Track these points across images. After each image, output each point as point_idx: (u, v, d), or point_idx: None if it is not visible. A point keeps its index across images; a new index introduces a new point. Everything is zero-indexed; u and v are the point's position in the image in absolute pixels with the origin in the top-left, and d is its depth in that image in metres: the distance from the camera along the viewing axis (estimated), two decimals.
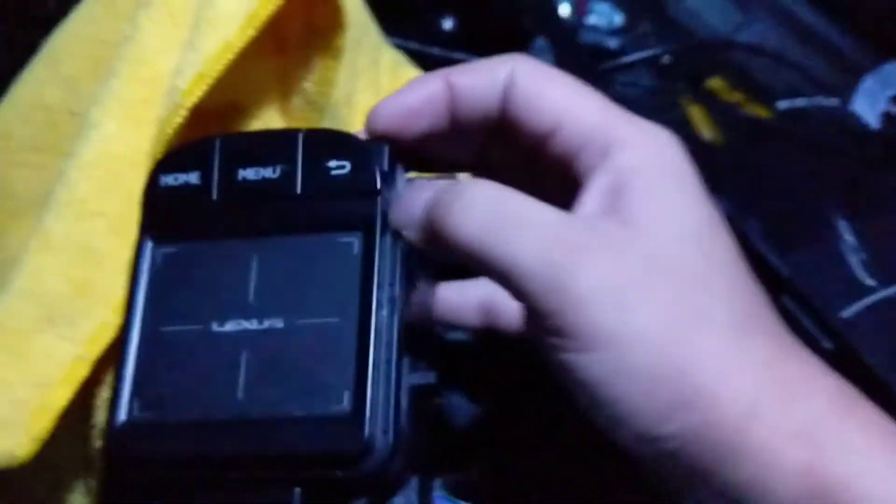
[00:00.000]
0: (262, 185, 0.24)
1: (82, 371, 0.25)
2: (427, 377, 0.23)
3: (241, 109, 0.27)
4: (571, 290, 0.20)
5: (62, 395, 0.25)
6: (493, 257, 0.21)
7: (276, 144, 0.24)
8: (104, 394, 0.26)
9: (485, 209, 0.21)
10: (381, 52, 0.34)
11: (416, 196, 0.23)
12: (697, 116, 0.56)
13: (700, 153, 0.25)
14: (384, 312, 0.22)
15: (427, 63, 0.37)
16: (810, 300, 0.32)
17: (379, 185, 0.23)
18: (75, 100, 0.30)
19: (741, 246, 0.23)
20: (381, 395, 0.21)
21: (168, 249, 0.24)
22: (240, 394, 0.22)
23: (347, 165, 0.23)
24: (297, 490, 0.21)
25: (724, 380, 0.20)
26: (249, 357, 0.22)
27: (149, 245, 0.24)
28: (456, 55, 0.39)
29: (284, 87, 0.28)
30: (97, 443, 0.27)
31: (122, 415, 0.22)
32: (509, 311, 0.28)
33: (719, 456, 0.20)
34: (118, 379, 0.23)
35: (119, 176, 0.26)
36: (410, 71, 0.36)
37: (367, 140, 0.24)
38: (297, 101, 0.27)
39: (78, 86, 0.29)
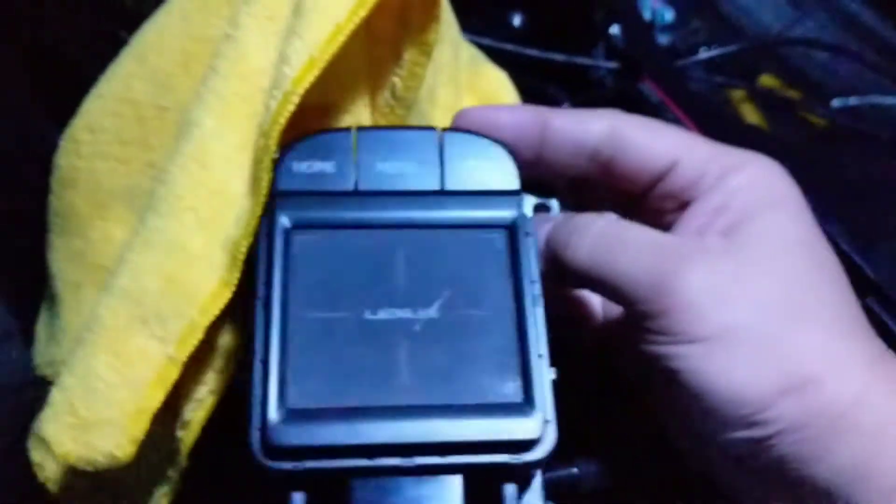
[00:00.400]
0: (402, 179, 0.24)
1: (173, 373, 0.25)
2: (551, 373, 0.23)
3: (332, 103, 0.27)
4: (675, 293, 0.22)
5: (156, 397, 0.25)
6: (605, 274, 0.23)
7: (415, 141, 0.24)
8: (191, 394, 0.27)
9: (596, 235, 0.24)
10: (460, 48, 0.33)
11: (538, 229, 0.25)
12: (748, 113, 0.55)
13: (776, 151, 0.26)
14: (537, 307, 0.23)
15: (500, 59, 0.37)
16: None
17: (519, 186, 0.24)
18: (164, 95, 0.30)
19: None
20: (545, 386, 0.22)
21: (305, 236, 0.23)
22: (403, 381, 0.22)
23: (488, 165, 0.24)
24: (459, 477, 0.21)
25: (830, 370, 0.22)
26: (408, 345, 0.22)
27: (284, 230, 0.23)
28: (528, 51, 0.39)
29: (374, 82, 0.28)
30: (180, 434, 0.28)
31: (280, 404, 0.21)
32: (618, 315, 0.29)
33: (825, 441, 0.21)
34: (265, 366, 0.22)
35: (210, 171, 0.26)
36: (488, 67, 0.35)
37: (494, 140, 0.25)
38: (385, 96, 0.27)
39: (167, 81, 0.30)
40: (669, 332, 0.22)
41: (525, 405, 0.21)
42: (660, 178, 0.25)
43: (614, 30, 0.42)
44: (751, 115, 0.55)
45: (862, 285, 0.33)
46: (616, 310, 0.28)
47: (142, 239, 0.26)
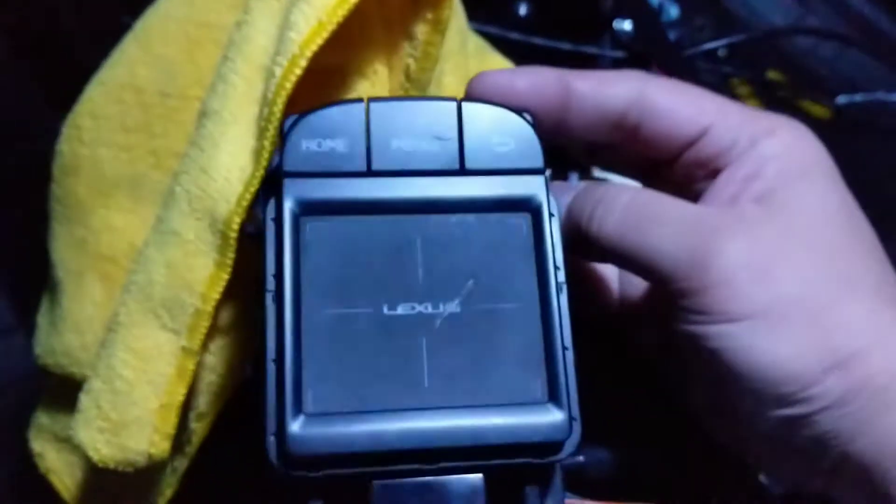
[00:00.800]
0: (419, 157, 0.22)
1: (190, 364, 0.25)
2: None
3: (349, 88, 0.27)
4: (714, 270, 0.21)
5: (178, 391, 0.24)
6: (635, 251, 0.22)
7: (432, 114, 0.22)
8: (208, 384, 0.26)
9: (624, 208, 0.23)
10: (467, 37, 0.33)
11: (558, 198, 0.23)
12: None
13: None
14: (562, 296, 0.22)
15: (506, 48, 0.36)
16: None
17: (544, 165, 0.22)
18: (167, 81, 0.30)
19: None
20: (570, 382, 0.21)
21: (317, 222, 0.22)
22: (424, 382, 0.21)
23: (511, 142, 0.22)
24: (480, 476, 0.20)
25: (875, 343, 0.21)
26: (429, 343, 0.21)
27: (293, 215, 0.21)
28: (535, 40, 0.39)
29: (388, 62, 0.27)
30: (192, 425, 0.27)
31: (298, 410, 0.20)
32: (641, 290, 0.28)
33: (868, 415, 0.21)
34: (280, 367, 0.20)
35: (204, 151, 0.25)
36: (496, 58, 0.35)
37: (513, 109, 0.23)
38: (399, 78, 0.27)
39: (171, 67, 0.29)
40: (708, 311, 0.21)
41: (550, 404, 0.21)
42: (690, 144, 0.24)
43: (621, 25, 0.42)
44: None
45: None
46: (635, 283, 0.27)
47: (153, 231, 0.26)
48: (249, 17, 0.25)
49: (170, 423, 0.24)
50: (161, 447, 0.24)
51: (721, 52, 0.56)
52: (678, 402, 0.26)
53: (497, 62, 0.35)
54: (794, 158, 0.23)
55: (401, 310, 0.21)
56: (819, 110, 0.54)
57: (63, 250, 0.31)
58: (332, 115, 0.22)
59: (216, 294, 0.24)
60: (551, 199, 0.22)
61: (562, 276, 0.22)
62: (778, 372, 0.21)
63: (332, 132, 0.22)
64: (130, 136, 0.30)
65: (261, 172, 0.23)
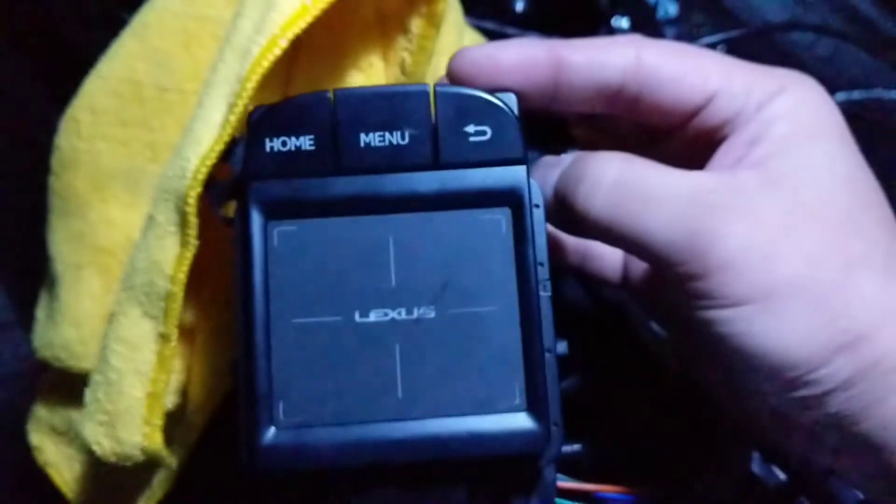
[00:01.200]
0: (390, 152, 0.21)
1: (168, 350, 0.24)
2: (560, 347, 0.22)
3: (344, 80, 0.27)
4: (714, 253, 0.20)
5: (161, 378, 0.25)
6: (627, 233, 0.21)
7: (402, 104, 0.21)
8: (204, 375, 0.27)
9: (612, 186, 0.21)
10: (463, 32, 0.33)
11: (543, 176, 0.23)
12: None
13: None
14: (543, 296, 0.21)
15: None
16: None
17: (524, 154, 0.21)
18: (165, 75, 0.30)
19: None
20: (551, 386, 0.20)
21: (285, 227, 0.21)
22: (399, 393, 0.20)
23: (488, 131, 0.21)
24: (463, 490, 0.20)
25: (883, 322, 0.20)
26: (403, 351, 0.20)
27: (260, 221, 0.21)
28: (531, 34, 0.39)
29: (384, 56, 0.27)
30: (190, 417, 0.27)
31: (269, 422, 0.20)
32: (643, 267, 0.27)
33: (876, 396, 0.20)
34: (253, 379, 0.20)
35: (183, 141, 0.24)
36: None
37: (494, 93, 0.22)
38: (394, 72, 0.27)
39: (168, 61, 0.30)
40: (711, 296, 0.20)
41: (528, 413, 0.20)
42: (694, 114, 0.23)
43: (618, 22, 0.42)
44: None
45: None
46: (638, 260, 0.26)
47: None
48: (243, 9, 0.25)
49: (157, 414, 0.24)
50: (153, 439, 0.24)
51: (719, 49, 0.56)
52: (670, 366, 0.25)
53: None
54: (802, 118, 0.22)
55: (373, 316, 0.21)
56: None
57: (61, 244, 0.31)
58: (297, 109, 0.21)
59: (182, 274, 0.23)
60: (534, 188, 0.21)
61: (545, 273, 0.21)
62: (785, 356, 0.20)
63: (297, 128, 0.21)
64: (128, 130, 0.30)
65: (220, 146, 0.22)
